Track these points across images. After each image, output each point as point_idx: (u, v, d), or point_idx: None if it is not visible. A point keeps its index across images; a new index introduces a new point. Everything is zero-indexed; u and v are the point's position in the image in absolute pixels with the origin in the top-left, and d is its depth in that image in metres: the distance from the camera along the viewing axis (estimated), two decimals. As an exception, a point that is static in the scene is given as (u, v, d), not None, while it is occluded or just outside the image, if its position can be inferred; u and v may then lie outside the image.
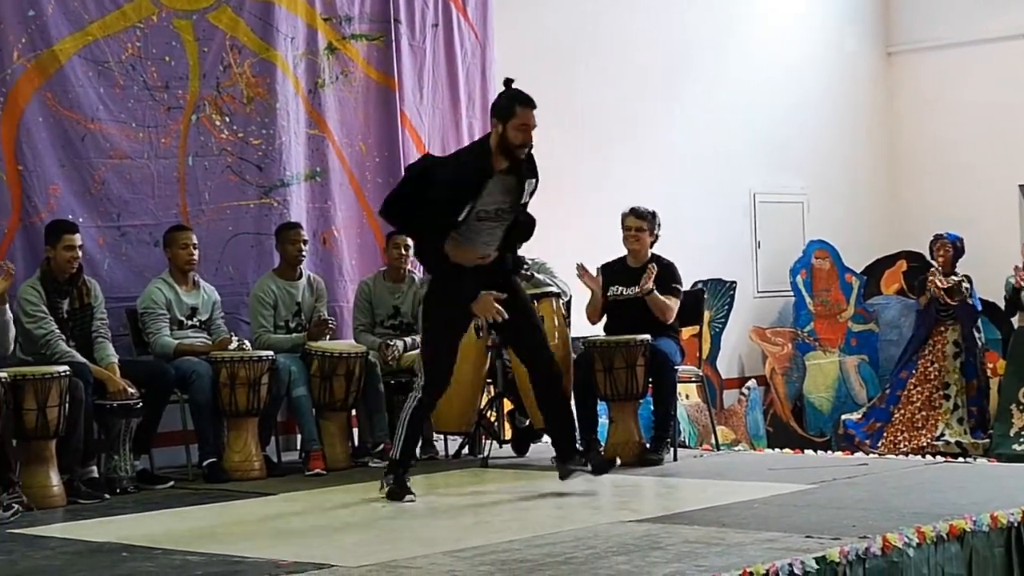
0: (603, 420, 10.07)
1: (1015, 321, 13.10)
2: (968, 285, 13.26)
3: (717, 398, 13.70)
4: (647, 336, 9.64)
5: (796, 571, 5.83)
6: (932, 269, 13.40)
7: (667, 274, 9.90)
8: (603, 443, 9.68)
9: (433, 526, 7.40)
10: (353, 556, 6.37)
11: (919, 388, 13.44)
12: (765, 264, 14.65)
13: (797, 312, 14.65)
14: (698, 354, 11.27)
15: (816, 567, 5.90)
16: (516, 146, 7.96)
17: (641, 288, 9.69)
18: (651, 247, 10.01)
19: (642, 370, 9.63)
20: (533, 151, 8.05)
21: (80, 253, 9.01)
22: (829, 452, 11.20)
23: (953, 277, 13.28)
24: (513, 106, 7.96)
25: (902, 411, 13.44)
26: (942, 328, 13.38)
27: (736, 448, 11.53)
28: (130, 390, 8.80)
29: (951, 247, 13.34)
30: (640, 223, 9.94)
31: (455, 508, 8.01)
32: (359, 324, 10.37)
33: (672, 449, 9.71)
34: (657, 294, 9.73)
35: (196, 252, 9.61)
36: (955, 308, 13.27)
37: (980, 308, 13.44)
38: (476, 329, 9.52)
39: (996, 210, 15.02)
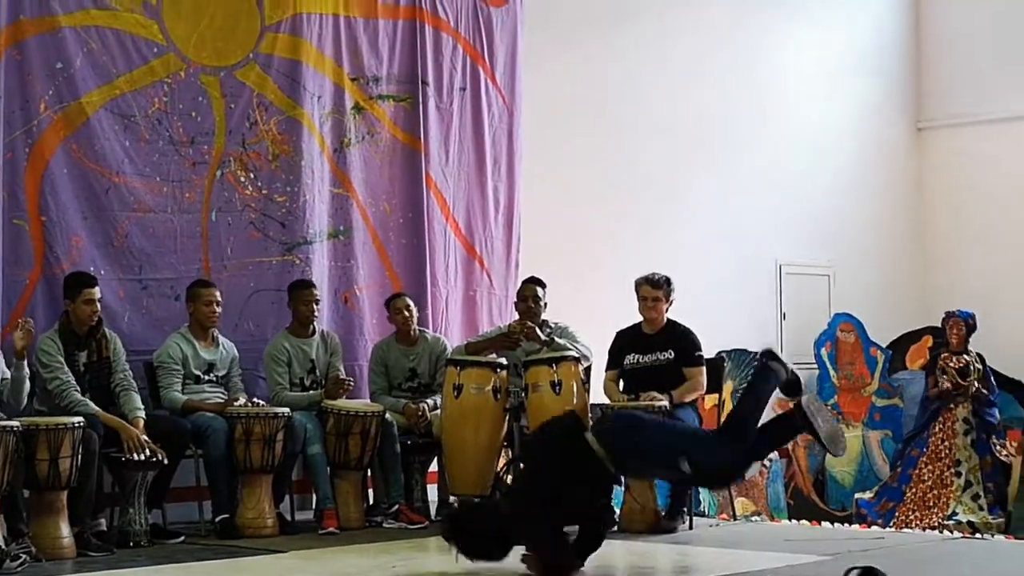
0: (618, 488, 9.97)
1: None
2: (980, 365, 13.10)
3: (738, 469, 13.56)
4: (665, 402, 9.58)
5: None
6: (945, 354, 13.21)
7: (687, 343, 9.87)
8: (618, 510, 9.60)
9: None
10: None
11: (930, 466, 13.18)
12: (790, 336, 14.57)
13: (821, 385, 14.57)
14: (718, 424, 11.13)
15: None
16: None
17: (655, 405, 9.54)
18: (666, 312, 10.00)
19: (660, 436, 9.53)
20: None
21: (99, 307, 9.02)
22: (847, 525, 11.08)
23: (965, 356, 13.12)
24: None
25: (913, 489, 13.20)
26: (951, 405, 13.12)
27: (754, 519, 11.41)
28: (147, 445, 8.74)
29: (963, 325, 13.14)
30: (656, 292, 9.92)
31: (466, 571, 7.92)
32: (376, 387, 10.34)
33: (688, 518, 9.63)
34: (677, 393, 9.70)
35: (219, 309, 9.61)
36: (966, 387, 13.09)
37: (995, 384, 13.22)
38: (494, 392, 9.51)
39: (1025, 286, 14.97)
